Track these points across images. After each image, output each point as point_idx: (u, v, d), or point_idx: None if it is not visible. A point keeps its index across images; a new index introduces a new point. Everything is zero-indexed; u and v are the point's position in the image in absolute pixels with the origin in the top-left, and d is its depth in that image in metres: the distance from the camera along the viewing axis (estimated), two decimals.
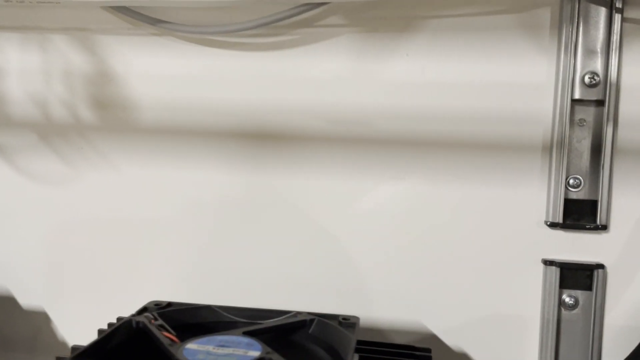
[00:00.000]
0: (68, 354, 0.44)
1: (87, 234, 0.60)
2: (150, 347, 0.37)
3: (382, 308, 0.55)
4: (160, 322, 0.39)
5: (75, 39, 0.59)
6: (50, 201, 0.60)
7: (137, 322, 0.39)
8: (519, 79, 0.52)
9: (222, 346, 0.37)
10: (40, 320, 0.61)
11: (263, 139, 0.57)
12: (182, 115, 0.58)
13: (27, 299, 0.62)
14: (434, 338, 0.55)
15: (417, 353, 0.45)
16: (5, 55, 0.60)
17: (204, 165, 0.58)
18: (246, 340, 0.38)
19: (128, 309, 0.51)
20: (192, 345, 0.36)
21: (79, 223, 0.61)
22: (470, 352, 0.55)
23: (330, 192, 0.56)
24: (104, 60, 0.59)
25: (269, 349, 0.36)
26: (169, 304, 0.44)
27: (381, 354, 0.45)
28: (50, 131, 0.60)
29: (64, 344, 0.61)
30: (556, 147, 0.52)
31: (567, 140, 0.51)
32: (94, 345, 0.35)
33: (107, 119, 0.59)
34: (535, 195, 0.53)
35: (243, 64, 0.56)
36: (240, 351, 0.36)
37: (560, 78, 0.51)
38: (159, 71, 0.58)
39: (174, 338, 0.37)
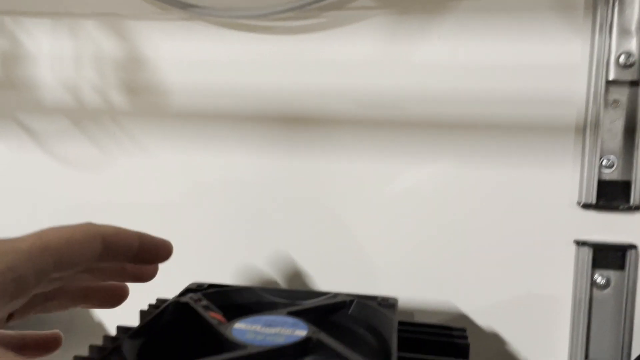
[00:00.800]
0: (104, 334, 0.45)
1: (120, 217, 0.61)
2: (198, 327, 0.38)
3: (413, 289, 0.56)
4: (205, 302, 0.40)
5: (105, 25, 0.59)
6: (84, 186, 0.61)
7: (183, 303, 0.40)
8: (553, 60, 0.52)
9: (269, 326, 0.37)
10: None
11: (293, 123, 0.57)
12: (212, 100, 0.58)
13: None
14: (465, 318, 0.55)
15: (453, 332, 0.46)
16: (37, 42, 0.61)
17: (234, 149, 0.58)
18: (291, 320, 0.39)
19: (162, 291, 0.52)
20: (239, 325, 0.37)
21: (112, 207, 0.61)
22: (501, 331, 0.55)
23: (360, 177, 0.57)
24: (134, 45, 0.59)
25: (315, 329, 0.37)
26: (210, 285, 0.45)
27: (416, 333, 0.45)
28: (83, 116, 0.60)
29: (99, 325, 0.63)
30: (590, 128, 0.52)
31: (600, 121, 0.51)
32: (145, 325, 0.36)
33: (138, 104, 0.59)
34: (568, 177, 0.53)
35: (273, 47, 0.57)
36: (287, 330, 0.37)
37: (595, 59, 0.51)
38: (189, 56, 0.58)
39: (221, 318, 0.38)
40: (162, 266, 0.61)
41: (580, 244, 0.53)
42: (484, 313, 0.55)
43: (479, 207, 0.54)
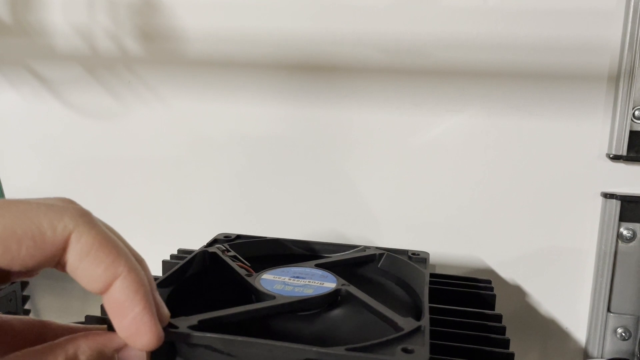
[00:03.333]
0: None
1: (137, 168, 0.61)
2: (226, 277, 0.38)
3: (436, 242, 0.56)
4: (232, 253, 0.40)
5: None
6: (100, 135, 0.60)
7: (210, 253, 0.40)
8: (587, 5, 0.49)
9: (297, 277, 0.37)
10: None
11: (314, 70, 0.55)
12: (230, 47, 0.56)
13: None
14: (488, 271, 0.55)
15: (479, 284, 0.46)
16: None
17: (253, 97, 0.57)
18: (319, 272, 0.38)
19: (180, 243, 0.52)
20: (267, 276, 0.37)
21: (128, 157, 0.61)
22: (523, 284, 0.55)
23: (382, 128, 0.55)
24: None
25: (344, 281, 0.36)
26: (238, 237, 0.45)
27: (442, 285, 0.45)
28: (97, 64, 0.59)
29: None
30: (623, 78, 0.50)
31: (635, 71, 0.49)
32: (172, 274, 0.36)
33: (153, 51, 0.58)
34: (598, 127, 0.51)
35: None
36: (315, 282, 0.36)
37: (632, 4, 0.48)
38: (205, 0, 0.56)
39: (249, 269, 0.38)
40: (182, 218, 0.61)
41: (607, 196, 0.52)
42: (508, 266, 0.55)
43: (505, 158, 0.53)
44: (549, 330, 0.55)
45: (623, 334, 0.53)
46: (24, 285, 0.55)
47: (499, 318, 0.40)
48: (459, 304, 0.42)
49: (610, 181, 0.52)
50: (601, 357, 0.53)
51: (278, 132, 0.57)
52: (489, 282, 0.46)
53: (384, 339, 0.28)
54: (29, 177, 0.63)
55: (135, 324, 0.24)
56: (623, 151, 0.50)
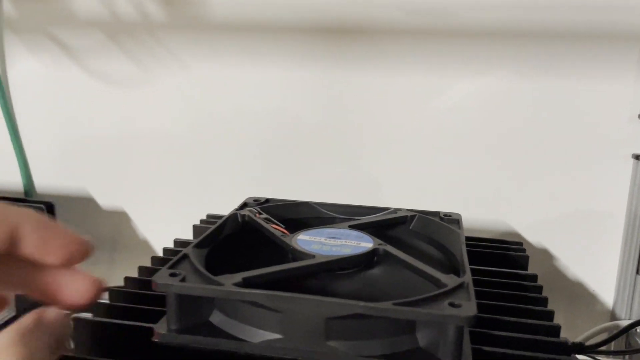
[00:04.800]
0: (150, 253, 0.45)
1: (162, 135, 0.60)
2: (261, 239, 0.38)
3: (462, 206, 0.55)
4: (265, 215, 0.40)
5: None
6: (123, 103, 0.60)
7: (243, 216, 0.40)
8: None
9: (333, 238, 0.37)
10: (120, 220, 0.63)
11: (338, 33, 0.55)
12: (253, 10, 0.55)
13: (106, 200, 0.63)
14: (516, 235, 0.55)
15: (510, 246, 0.45)
16: None
17: (278, 61, 0.56)
18: (354, 232, 0.38)
19: (207, 209, 0.51)
20: (303, 237, 0.37)
21: (153, 124, 0.60)
22: (551, 248, 0.55)
23: (409, 88, 0.55)
24: None
25: (380, 241, 0.36)
26: (267, 200, 0.44)
27: (473, 247, 0.45)
28: (118, 30, 0.58)
29: (145, 242, 0.63)
30: None
31: None
32: (207, 237, 0.36)
33: (175, 16, 0.57)
34: (630, 88, 0.50)
35: None
36: (352, 242, 0.36)
37: None
38: None
39: (284, 230, 0.38)
40: (206, 184, 0.61)
41: (638, 157, 0.51)
42: (535, 229, 0.55)
43: (533, 121, 0.53)
44: (576, 293, 0.55)
45: None
46: None
47: (534, 278, 0.40)
48: (492, 266, 0.41)
49: None
50: (629, 319, 0.53)
51: (303, 95, 0.57)
52: (520, 244, 0.46)
53: (430, 294, 0.28)
54: (49, 143, 0.63)
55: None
56: None
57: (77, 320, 0.32)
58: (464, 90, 0.53)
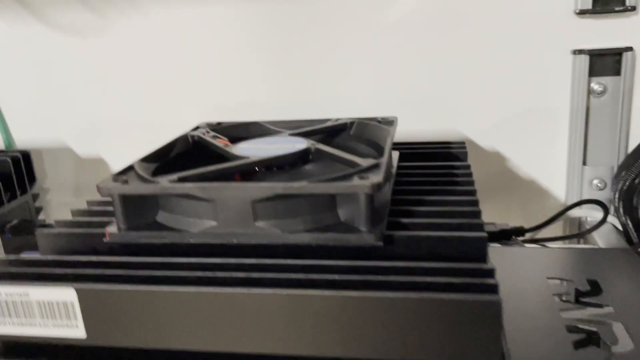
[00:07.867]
0: None
1: (125, 81, 0.63)
2: (206, 153, 0.41)
3: (415, 117, 0.57)
4: (213, 134, 0.43)
5: None
6: (85, 52, 0.62)
7: (192, 136, 0.42)
8: None
9: (272, 144, 0.40)
10: (98, 168, 0.66)
11: None
12: None
13: (83, 149, 0.66)
14: (468, 141, 0.57)
15: (452, 145, 0.48)
16: None
17: None
18: (293, 138, 0.41)
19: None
20: (244, 145, 0.40)
21: (115, 72, 0.63)
22: (502, 149, 0.57)
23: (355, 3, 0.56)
24: None
25: (313, 142, 0.39)
26: (219, 123, 0.47)
27: (417, 149, 0.48)
28: None
29: None
30: None
31: None
32: (155, 152, 0.39)
33: None
34: None
35: None
36: (288, 145, 0.39)
37: None
38: None
39: (227, 142, 0.41)
40: (172, 125, 0.63)
41: (577, 52, 0.53)
42: (485, 133, 0.57)
43: (472, 22, 0.54)
44: (529, 190, 0.58)
45: (599, 185, 0.56)
46: (35, 197, 0.59)
47: (467, 167, 0.43)
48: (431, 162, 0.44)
49: (579, 38, 0.53)
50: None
51: (261, 18, 0.58)
52: (462, 143, 0.49)
53: (343, 172, 0.31)
54: (23, 100, 0.65)
55: None
56: (589, 4, 0.51)
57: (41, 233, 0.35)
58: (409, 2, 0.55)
